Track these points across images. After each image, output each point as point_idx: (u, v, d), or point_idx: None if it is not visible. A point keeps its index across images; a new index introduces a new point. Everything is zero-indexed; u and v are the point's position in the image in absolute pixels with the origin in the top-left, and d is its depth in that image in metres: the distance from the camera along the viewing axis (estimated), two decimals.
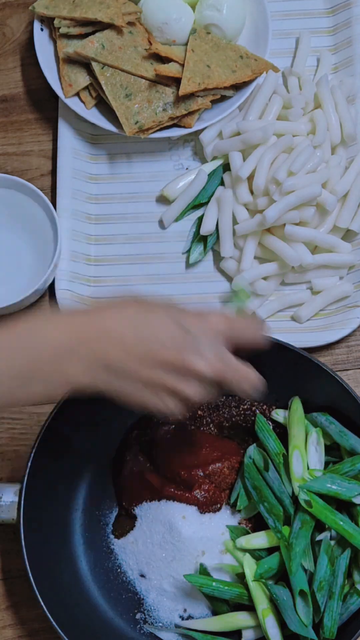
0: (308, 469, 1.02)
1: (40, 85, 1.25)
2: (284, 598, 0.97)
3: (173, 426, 1.08)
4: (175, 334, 0.86)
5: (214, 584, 1.00)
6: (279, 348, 1.04)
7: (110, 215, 1.20)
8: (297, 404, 1.05)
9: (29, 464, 1.01)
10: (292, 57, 1.25)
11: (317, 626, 0.98)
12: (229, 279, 1.17)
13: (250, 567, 1.00)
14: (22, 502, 1.00)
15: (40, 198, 1.14)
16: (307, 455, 1.03)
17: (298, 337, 1.11)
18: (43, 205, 1.15)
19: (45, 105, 1.25)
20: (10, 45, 1.28)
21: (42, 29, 1.21)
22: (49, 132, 1.24)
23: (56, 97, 1.23)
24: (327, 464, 1.03)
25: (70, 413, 1.04)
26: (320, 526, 1.00)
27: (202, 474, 1.04)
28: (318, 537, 1.00)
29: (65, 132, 1.21)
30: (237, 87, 1.20)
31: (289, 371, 1.06)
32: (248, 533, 1.03)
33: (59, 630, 0.97)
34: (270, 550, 1.01)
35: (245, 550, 1.01)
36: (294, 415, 1.05)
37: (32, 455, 1.01)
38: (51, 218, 1.14)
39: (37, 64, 1.22)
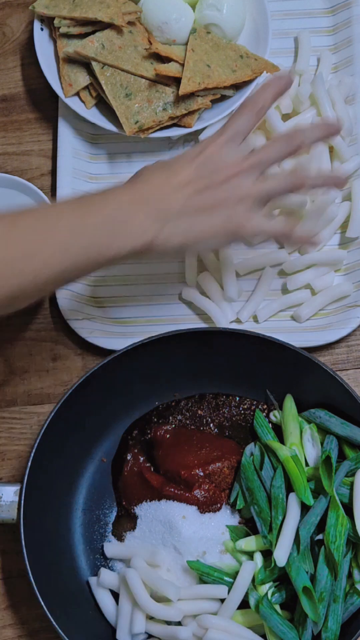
0: (306, 465, 1.03)
1: (40, 85, 1.25)
2: (279, 626, 0.98)
3: (173, 426, 1.08)
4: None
5: (215, 573, 1.00)
6: (279, 347, 1.05)
7: None
8: (290, 402, 1.06)
9: (29, 464, 1.01)
10: (292, 57, 1.24)
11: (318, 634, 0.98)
12: None
13: (249, 573, 0.99)
14: (22, 502, 1.00)
15: (40, 198, 1.14)
16: (304, 452, 1.03)
17: (298, 337, 1.11)
18: None
19: (45, 105, 1.25)
20: (10, 45, 1.28)
21: (42, 29, 1.21)
22: (49, 131, 1.24)
23: (56, 96, 1.23)
24: None
25: (70, 413, 1.04)
26: (319, 526, 1.00)
27: (202, 473, 1.04)
28: (317, 537, 1.00)
29: (65, 132, 1.21)
30: (237, 86, 1.20)
31: (289, 371, 1.06)
32: (248, 533, 1.03)
33: (59, 630, 0.97)
34: (270, 552, 1.01)
35: (244, 553, 1.01)
36: (288, 412, 1.05)
37: (32, 455, 1.01)
38: None
39: (37, 63, 1.22)
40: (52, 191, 1.21)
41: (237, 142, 1.00)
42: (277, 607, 0.99)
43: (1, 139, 1.24)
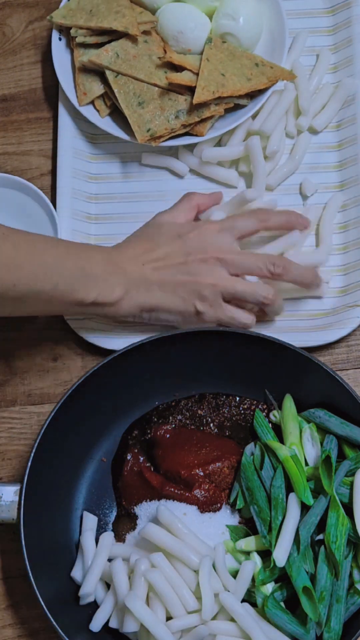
0: (306, 465, 1.03)
1: (40, 84, 1.25)
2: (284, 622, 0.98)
3: (173, 426, 1.08)
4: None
5: None
6: (279, 347, 1.05)
7: (110, 215, 1.20)
8: (289, 401, 1.06)
9: (29, 464, 1.01)
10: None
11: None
12: None
13: (249, 573, 0.99)
14: (22, 502, 1.00)
15: (40, 198, 1.14)
16: (303, 451, 1.03)
17: (298, 337, 1.11)
18: (43, 205, 1.15)
19: (45, 104, 1.25)
20: (10, 44, 1.28)
21: (60, 39, 1.21)
22: (49, 131, 1.24)
23: (56, 96, 1.23)
24: None
25: (70, 413, 1.04)
26: (319, 526, 1.00)
27: (202, 473, 1.04)
28: (317, 537, 1.00)
29: (65, 132, 1.21)
30: (251, 95, 1.19)
31: (289, 371, 1.06)
32: (248, 533, 1.03)
33: (59, 630, 0.97)
34: (270, 552, 1.01)
35: (244, 552, 1.01)
36: (288, 412, 1.05)
37: (32, 455, 1.01)
38: (51, 217, 1.14)
39: (37, 63, 1.22)
40: (52, 191, 1.21)
41: (234, 234, 1.08)
42: (283, 605, 0.99)
43: (1, 139, 1.24)
